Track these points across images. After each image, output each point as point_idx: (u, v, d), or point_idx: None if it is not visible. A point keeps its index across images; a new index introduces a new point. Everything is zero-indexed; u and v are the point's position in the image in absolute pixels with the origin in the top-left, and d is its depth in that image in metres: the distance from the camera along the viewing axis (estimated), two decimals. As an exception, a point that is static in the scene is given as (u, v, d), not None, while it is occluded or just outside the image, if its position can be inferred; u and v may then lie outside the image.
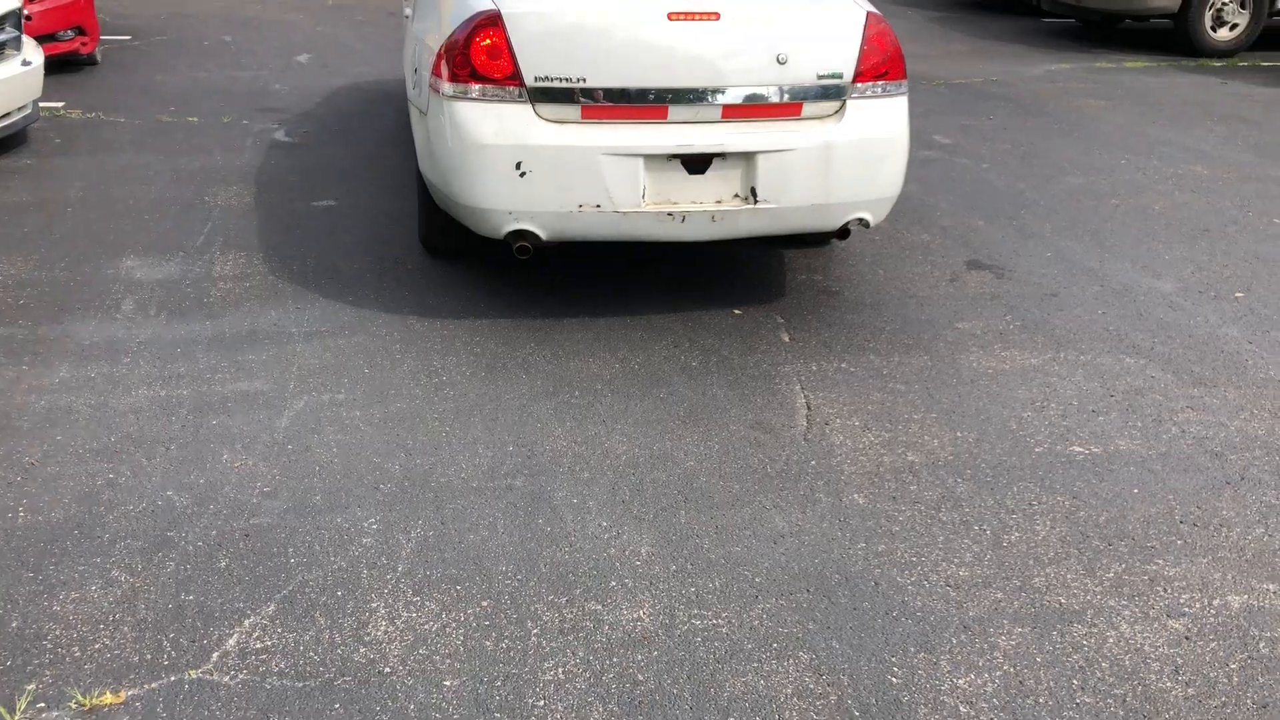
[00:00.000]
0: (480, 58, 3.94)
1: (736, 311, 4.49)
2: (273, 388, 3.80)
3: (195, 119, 7.50)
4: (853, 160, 4.13)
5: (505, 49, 3.93)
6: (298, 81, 8.78)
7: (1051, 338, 4.35)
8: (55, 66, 8.31)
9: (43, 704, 2.37)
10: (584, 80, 3.94)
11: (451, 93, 4.01)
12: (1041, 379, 4.01)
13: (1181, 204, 6.02)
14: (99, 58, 9.20)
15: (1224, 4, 10.16)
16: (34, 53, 6.68)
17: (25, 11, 7.07)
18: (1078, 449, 3.54)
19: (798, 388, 3.89)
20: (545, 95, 3.95)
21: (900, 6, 12.96)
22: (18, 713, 2.34)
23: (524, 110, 3.95)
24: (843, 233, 4.37)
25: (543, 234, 4.04)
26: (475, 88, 3.97)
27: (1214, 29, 10.23)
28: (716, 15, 4.03)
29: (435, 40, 4.23)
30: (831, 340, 4.27)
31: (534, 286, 4.67)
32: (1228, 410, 3.81)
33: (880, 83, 4.20)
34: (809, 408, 3.75)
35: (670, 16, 3.99)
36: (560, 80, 3.94)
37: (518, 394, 3.79)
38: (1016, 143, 7.20)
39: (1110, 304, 4.68)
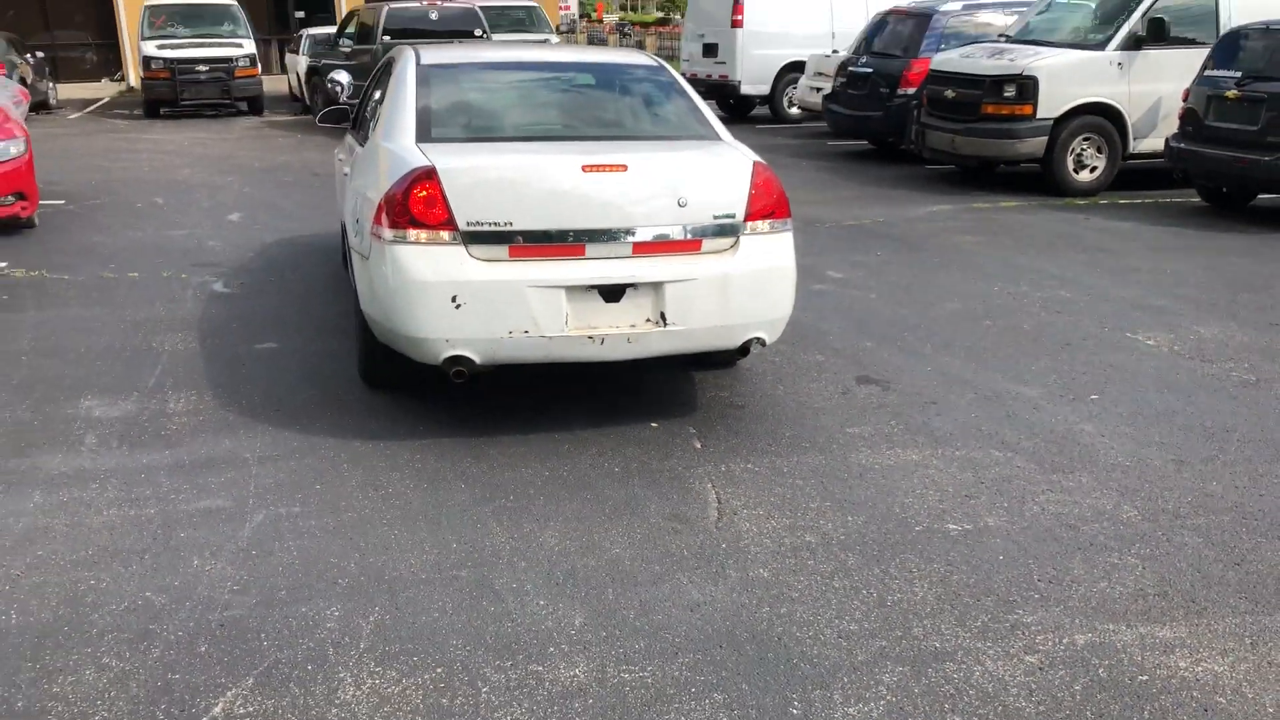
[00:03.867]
0: (418, 207, 4.50)
1: (654, 424, 5.00)
2: (233, 504, 4.18)
3: (136, 274, 7.92)
4: (748, 287, 4.73)
5: (440, 199, 4.50)
6: (231, 238, 9.27)
7: (931, 438, 4.92)
8: (-3, 229, 8.70)
9: (53, 765, 2.69)
10: (511, 224, 4.51)
11: (392, 238, 4.54)
12: (922, 471, 4.55)
13: (1047, 323, 6.74)
14: (36, 221, 9.61)
15: (1083, 150, 11.26)
16: (-15, 216, 7.09)
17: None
18: (952, 526, 4.06)
19: (709, 486, 4.38)
20: (476, 238, 4.51)
21: (793, 158, 14.01)
22: (32, 772, 2.66)
23: (458, 251, 4.50)
24: (743, 351, 4.94)
25: (477, 359, 4.54)
26: (413, 233, 4.51)
27: (1076, 171, 11.30)
28: (625, 167, 4.66)
29: (375, 193, 4.78)
30: (738, 446, 4.79)
31: (467, 410, 5.13)
32: (1081, 491, 4.38)
33: (768, 221, 4.84)
34: (719, 501, 4.24)
35: (584, 168, 4.61)
36: (490, 224, 4.50)
37: (458, 501, 4.22)
38: (901, 275, 7.94)
39: (983, 408, 5.29)
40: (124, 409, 5.18)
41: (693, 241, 4.70)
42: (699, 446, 4.78)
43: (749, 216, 4.78)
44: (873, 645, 3.28)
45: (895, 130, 13.48)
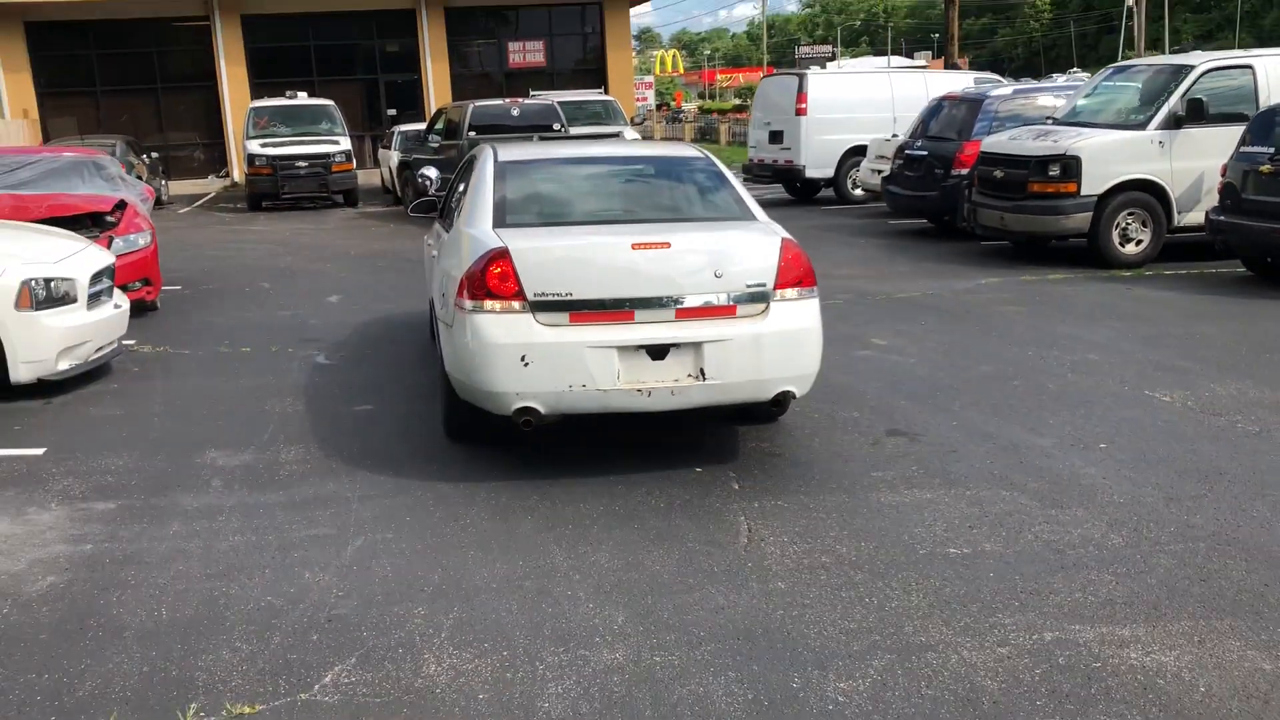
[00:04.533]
0: (493, 281, 5.30)
1: (698, 469, 5.68)
2: (337, 532, 4.94)
3: (248, 349, 8.88)
4: (778, 346, 5.43)
5: (512, 275, 5.29)
6: (331, 318, 10.23)
7: (946, 480, 5.51)
8: (126, 312, 9.76)
9: (203, 713, 3.44)
10: (571, 294, 5.28)
11: (471, 308, 5.34)
12: (933, 507, 5.15)
13: (1072, 383, 7.28)
14: (158, 305, 10.69)
15: (1128, 224, 11.77)
16: (121, 299, 8.13)
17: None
18: (952, 550, 4.65)
19: (742, 518, 5.03)
20: (542, 306, 5.29)
21: (853, 237, 14.72)
22: (188, 716, 3.41)
23: (526, 318, 5.28)
24: (779, 404, 5.61)
25: (542, 409, 5.29)
26: (489, 303, 5.31)
27: (1122, 245, 11.80)
28: (668, 244, 5.42)
29: (458, 271, 5.59)
30: (772, 487, 5.43)
31: (534, 458, 5.86)
32: (1075, 523, 4.94)
33: (796, 289, 5.54)
34: (749, 530, 4.89)
35: (634, 246, 5.38)
36: (554, 295, 5.28)
37: (525, 530, 4.93)
38: (941, 342, 8.54)
39: (998, 456, 5.86)
40: (243, 459, 6.02)
41: (728, 307, 5.42)
42: (736, 487, 5.43)
43: (778, 285, 5.48)
44: (868, 639, 3.89)
45: (950, 209, 14.12)
